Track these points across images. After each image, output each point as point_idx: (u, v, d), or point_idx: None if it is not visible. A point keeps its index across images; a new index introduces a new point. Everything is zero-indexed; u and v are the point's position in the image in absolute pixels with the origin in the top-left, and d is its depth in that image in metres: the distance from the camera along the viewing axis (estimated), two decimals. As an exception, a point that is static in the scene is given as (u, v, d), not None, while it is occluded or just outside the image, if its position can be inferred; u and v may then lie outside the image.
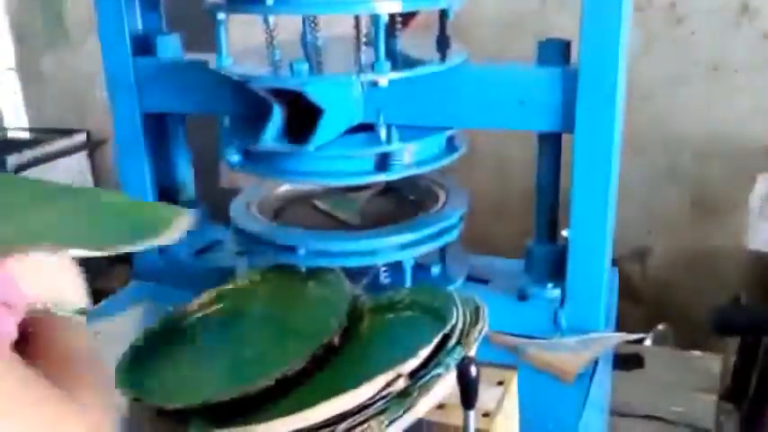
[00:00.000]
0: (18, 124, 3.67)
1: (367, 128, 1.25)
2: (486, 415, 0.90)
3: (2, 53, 3.58)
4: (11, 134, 3.56)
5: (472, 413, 0.84)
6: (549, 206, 1.32)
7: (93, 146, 3.30)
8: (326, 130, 1.16)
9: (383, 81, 1.14)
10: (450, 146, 1.32)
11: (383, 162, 1.22)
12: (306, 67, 1.15)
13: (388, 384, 0.86)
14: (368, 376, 0.86)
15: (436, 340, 0.92)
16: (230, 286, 1.25)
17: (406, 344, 0.93)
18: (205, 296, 1.22)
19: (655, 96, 2.33)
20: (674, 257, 2.49)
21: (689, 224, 2.45)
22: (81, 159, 3.28)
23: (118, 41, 1.42)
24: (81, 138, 3.28)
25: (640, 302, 2.48)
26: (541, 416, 1.03)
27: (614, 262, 1.39)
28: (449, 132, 1.30)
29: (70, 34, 3.26)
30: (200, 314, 1.21)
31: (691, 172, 2.41)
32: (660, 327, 2.30)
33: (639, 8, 2.29)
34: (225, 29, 1.21)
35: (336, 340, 1.03)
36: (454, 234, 1.33)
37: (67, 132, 3.28)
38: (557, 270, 1.28)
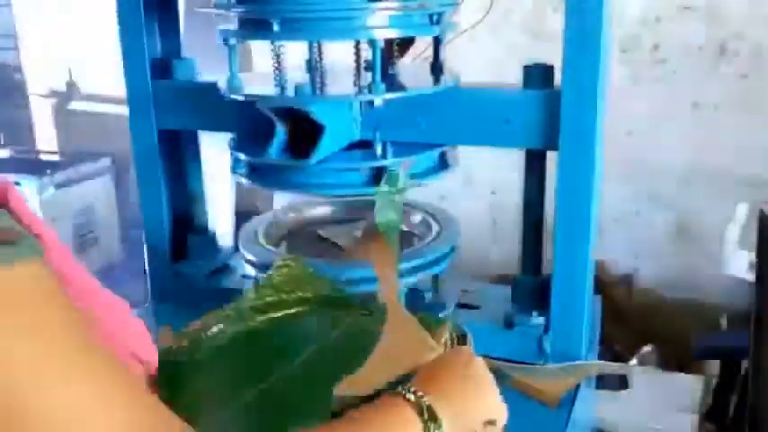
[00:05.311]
0: (50, 147, 3.74)
1: (364, 144, 1.27)
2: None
3: (37, 81, 3.64)
4: (44, 156, 3.62)
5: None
6: (535, 241, 1.32)
7: (117, 169, 3.37)
8: (327, 145, 1.18)
9: (379, 101, 1.16)
10: (443, 163, 1.32)
11: (378, 176, 1.21)
12: (308, 88, 1.18)
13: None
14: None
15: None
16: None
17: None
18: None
19: (640, 129, 2.34)
20: (658, 282, 2.49)
21: (673, 250, 2.45)
22: (107, 181, 3.37)
23: (138, 65, 1.45)
24: (107, 161, 3.37)
25: (627, 325, 2.47)
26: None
27: (602, 286, 1.39)
28: (440, 149, 1.29)
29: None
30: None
31: (675, 201, 2.42)
32: (645, 348, 2.29)
33: (625, 49, 2.31)
34: (236, 53, 1.23)
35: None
36: (444, 265, 1.32)
37: (95, 156, 3.35)
38: (541, 300, 1.28)
